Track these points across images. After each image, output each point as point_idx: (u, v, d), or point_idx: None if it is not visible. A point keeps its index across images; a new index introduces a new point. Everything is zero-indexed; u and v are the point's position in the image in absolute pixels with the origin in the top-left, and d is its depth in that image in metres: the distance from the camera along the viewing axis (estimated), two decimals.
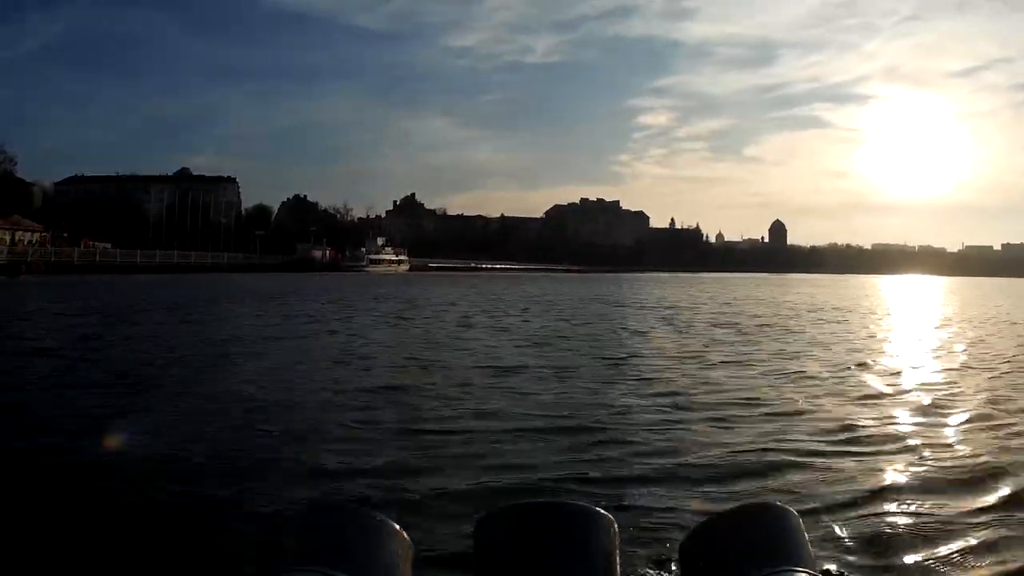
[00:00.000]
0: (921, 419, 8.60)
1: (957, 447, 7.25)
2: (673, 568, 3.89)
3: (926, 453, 6.90)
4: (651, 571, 4.01)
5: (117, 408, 8.66)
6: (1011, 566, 4.33)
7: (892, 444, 7.28)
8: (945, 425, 8.34)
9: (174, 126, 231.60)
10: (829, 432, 7.77)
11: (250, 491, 5.56)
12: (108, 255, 77.83)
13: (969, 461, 6.59)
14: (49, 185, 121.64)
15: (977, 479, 6.00)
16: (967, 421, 8.52)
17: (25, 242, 71.71)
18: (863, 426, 8.07)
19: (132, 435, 7.15)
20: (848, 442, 7.33)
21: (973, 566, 4.34)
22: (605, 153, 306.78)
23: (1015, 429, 7.99)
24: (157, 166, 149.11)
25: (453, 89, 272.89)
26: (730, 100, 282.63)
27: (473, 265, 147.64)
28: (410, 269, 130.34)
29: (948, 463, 6.54)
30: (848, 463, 6.52)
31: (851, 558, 4.39)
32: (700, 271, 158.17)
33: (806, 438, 7.51)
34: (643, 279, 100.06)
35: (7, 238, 69.60)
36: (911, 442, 7.34)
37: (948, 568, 4.32)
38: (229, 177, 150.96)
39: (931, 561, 4.40)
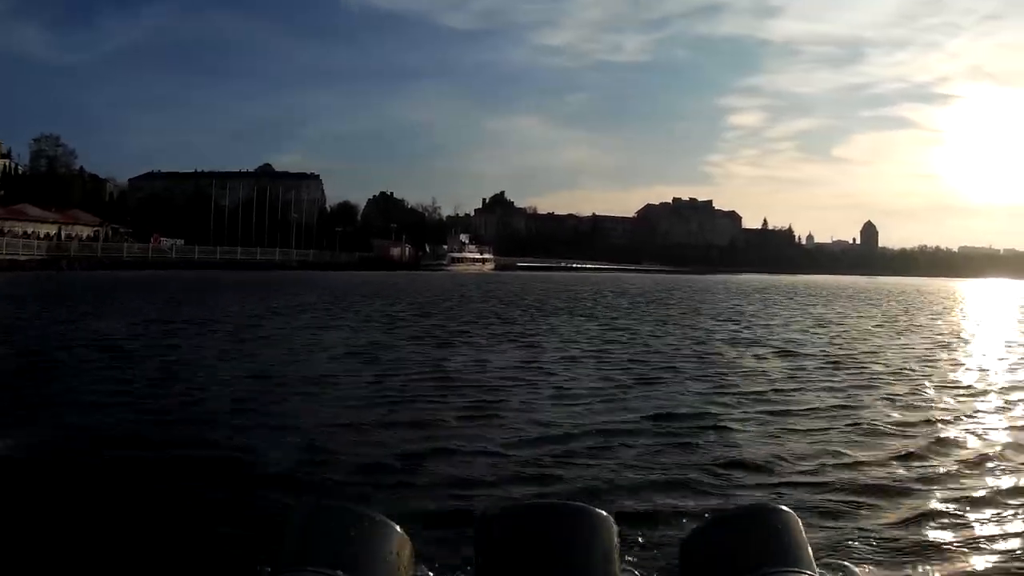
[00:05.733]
0: None
1: None
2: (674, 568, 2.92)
3: None
4: (651, 571, 4.05)
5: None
6: None
7: None
8: None
9: (262, 127, 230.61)
10: None
11: (250, 491, 5.68)
12: (160, 251, 73.86)
13: None
14: (123, 181, 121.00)
15: None
16: None
17: (74, 236, 68.10)
18: None
19: (121, 434, 7.30)
20: None
21: None
22: (696, 153, 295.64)
23: None
24: (243, 164, 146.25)
25: (543, 88, 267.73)
26: (818, 99, 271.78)
27: (563, 265, 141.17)
28: (496, 268, 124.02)
29: None
30: None
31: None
32: (793, 273, 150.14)
33: None
34: (739, 281, 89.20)
35: (52, 232, 66.04)
36: None
37: None
38: (312, 174, 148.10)
39: None
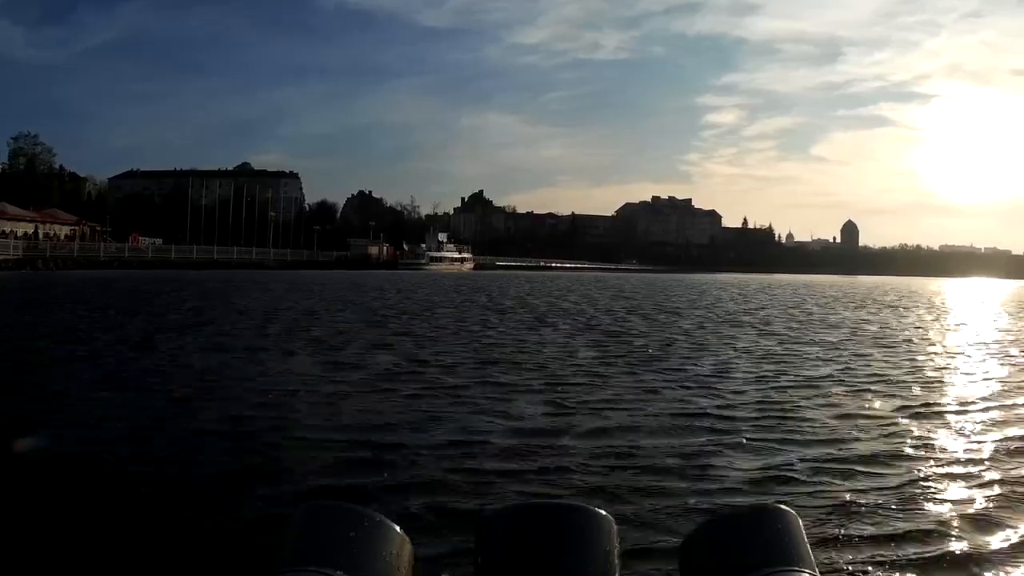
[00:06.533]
0: None
1: None
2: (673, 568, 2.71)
3: None
4: (651, 571, 4.12)
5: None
6: None
7: None
8: None
9: (240, 125, 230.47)
10: None
11: (250, 491, 5.70)
12: (137, 251, 74.35)
13: None
14: (103, 180, 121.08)
15: None
16: None
17: (52, 236, 68.47)
18: None
19: (119, 435, 7.35)
20: None
21: None
22: (674, 151, 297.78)
23: None
24: (221, 162, 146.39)
25: (520, 86, 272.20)
26: (797, 98, 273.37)
27: (542, 264, 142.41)
28: (475, 267, 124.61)
29: None
30: None
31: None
32: (773, 272, 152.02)
33: None
34: (723, 281, 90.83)
35: (30, 231, 66.43)
36: None
37: None
38: (291, 173, 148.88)
39: None
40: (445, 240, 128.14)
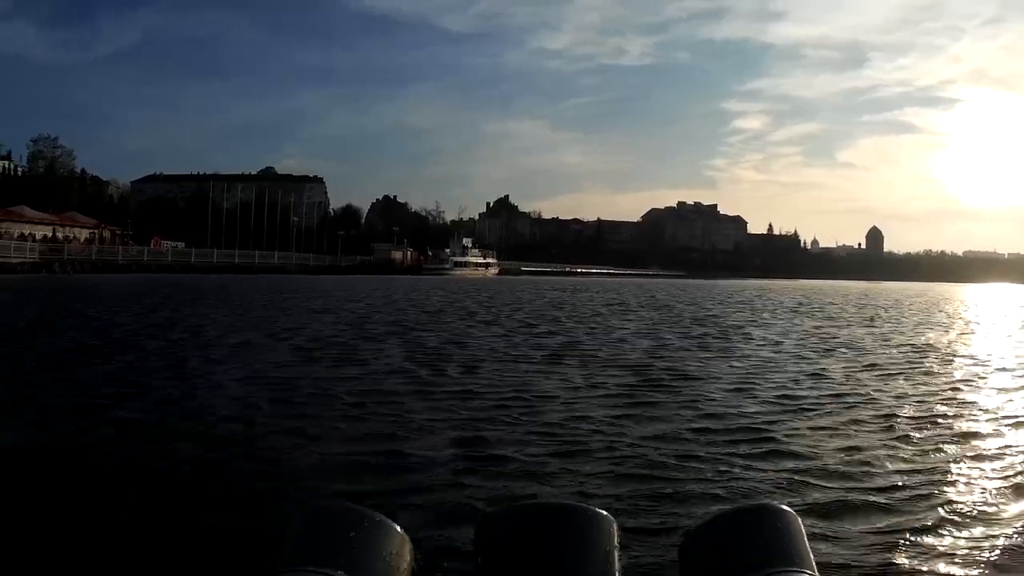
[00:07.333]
0: None
1: None
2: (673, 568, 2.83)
3: None
4: (651, 571, 4.12)
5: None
6: None
7: None
8: None
9: (261, 128, 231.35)
10: None
11: (250, 491, 5.74)
12: (157, 254, 73.32)
13: None
14: (125, 183, 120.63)
15: None
16: None
17: (72, 239, 67.54)
18: None
19: (119, 435, 7.39)
20: None
21: None
22: (699, 157, 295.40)
23: None
24: (245, 167, 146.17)
25: (543, 92, 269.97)
26: (822, 103, 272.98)
27: (567, 269, 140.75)
28: (500, 272, 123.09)
29: None
30: None
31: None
32: (797, 278, 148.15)
33: None
34: (751, 287, 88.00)
35: (49, 234, 65.51)
36: None
37: None
38: (316, 177, 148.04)
39: None
40: (470, 245, 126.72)
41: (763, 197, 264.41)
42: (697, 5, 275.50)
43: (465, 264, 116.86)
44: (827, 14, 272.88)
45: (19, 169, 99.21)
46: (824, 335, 21.65)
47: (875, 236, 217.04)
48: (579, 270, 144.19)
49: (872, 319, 30.38)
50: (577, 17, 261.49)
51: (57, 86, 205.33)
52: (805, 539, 0.90)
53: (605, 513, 0.91)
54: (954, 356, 16.94)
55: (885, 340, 20.62)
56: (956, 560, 4.61)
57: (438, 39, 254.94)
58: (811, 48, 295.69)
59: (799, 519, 0.92)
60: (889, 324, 27.74)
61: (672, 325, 24.70)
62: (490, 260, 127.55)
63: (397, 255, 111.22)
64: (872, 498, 5.78)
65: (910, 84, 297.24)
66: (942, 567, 4.52)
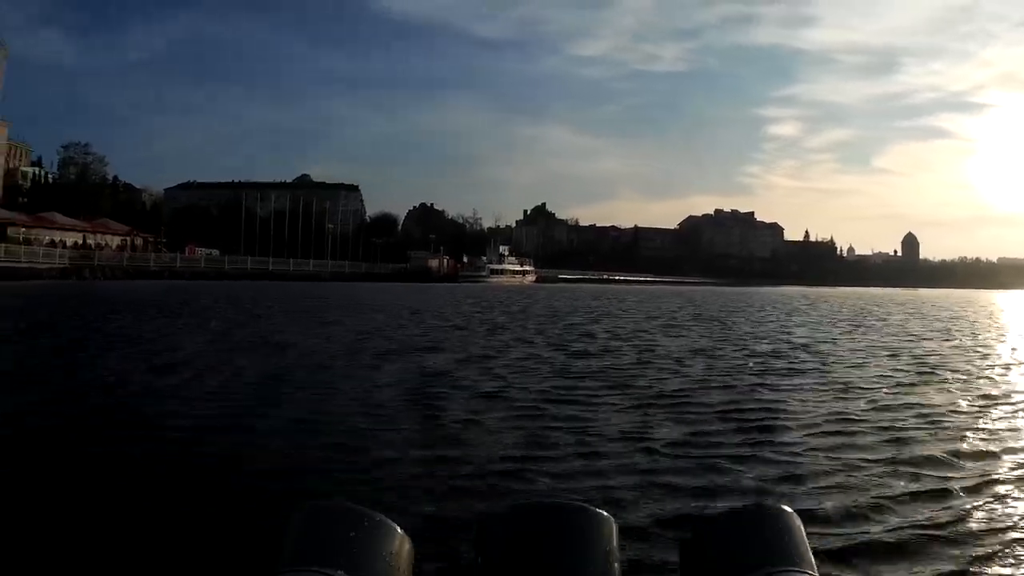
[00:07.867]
0: None
1: None
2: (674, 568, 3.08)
3: None
4: (651, 571, 4.15)
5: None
6: None
7: None
8: None
9: (295, 135, 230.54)
10: None
11: (251, 491, 5.66)
12: (189, 261, 71.82)
13: None
14: (158, 191, 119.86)
15: None
16: None
17: (103, 246, 66.18)
18: None
19: (118, 434, 7.23)
20: None
21: None
22: (734, 163, 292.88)
23: None
24: (280, 175, 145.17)
25: (578, 98, 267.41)
26: (855, 109, 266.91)
27: (605, 277, 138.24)
28: (537, 280, 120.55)
29: None
30: None
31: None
32: (835, 286, 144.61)
33: None
34: (792, 295, 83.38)
35: (79, 241, 64.13)
36: None
37: None
38: (351, 185, 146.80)
39: None
40: (506, 253, 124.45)
41: (798, 204, 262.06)
42: (728, 10, 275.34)
43: (502, 272, 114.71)
44: (857, 19, 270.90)
45: (50, 176, 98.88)
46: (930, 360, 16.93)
47: (911, 243, 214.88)
48: (617, 277, 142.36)
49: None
50: (615, 22, 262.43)
51: (87, 93, 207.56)
52: (805, 539, 0.90)
53: (605, 513, 0.90)
54: None
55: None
56: (958, 560, 4.45)
57: (472, 46, 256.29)
58: (842, 53, 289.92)
59: (799, 519, 0.92)
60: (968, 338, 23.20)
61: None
62: (527, 268, 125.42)
63: (434, 263, 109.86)
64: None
65: (942, 89, 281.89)
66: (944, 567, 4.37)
